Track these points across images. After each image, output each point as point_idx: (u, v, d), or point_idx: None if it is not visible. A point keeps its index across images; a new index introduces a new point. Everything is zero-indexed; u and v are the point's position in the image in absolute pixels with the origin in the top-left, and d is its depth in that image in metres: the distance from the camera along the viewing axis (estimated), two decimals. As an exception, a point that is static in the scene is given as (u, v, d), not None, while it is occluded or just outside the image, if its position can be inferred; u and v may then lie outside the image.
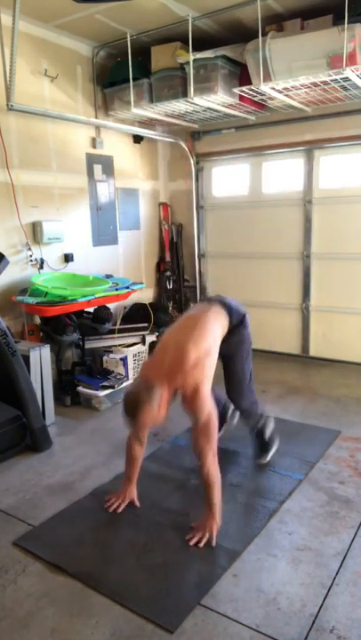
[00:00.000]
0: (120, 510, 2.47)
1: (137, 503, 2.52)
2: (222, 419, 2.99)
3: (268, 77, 3.61)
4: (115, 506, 2.49)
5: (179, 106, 4.23)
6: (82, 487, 2.74)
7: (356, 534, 2.28)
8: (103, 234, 4.79)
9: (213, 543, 2.21)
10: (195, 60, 3.81)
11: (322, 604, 1.89)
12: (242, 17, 3.75)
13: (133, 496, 2.54)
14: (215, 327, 2.43)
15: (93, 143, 4.55)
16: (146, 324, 4.60)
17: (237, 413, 3.04)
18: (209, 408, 2.20)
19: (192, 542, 2.22)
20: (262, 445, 2.93)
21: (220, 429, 2.93)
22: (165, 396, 2.20)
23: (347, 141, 4.41)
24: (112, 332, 4.34)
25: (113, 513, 2.48)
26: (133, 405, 2.19)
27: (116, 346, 4.37)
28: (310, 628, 1.78)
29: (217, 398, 2.81)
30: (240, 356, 2.67)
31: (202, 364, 2.24)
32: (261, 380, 4.34)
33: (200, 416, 2.18)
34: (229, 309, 2.55)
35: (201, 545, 2.20)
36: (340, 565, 2.09)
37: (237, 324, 2.58)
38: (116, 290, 4.13)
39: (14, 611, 1.90)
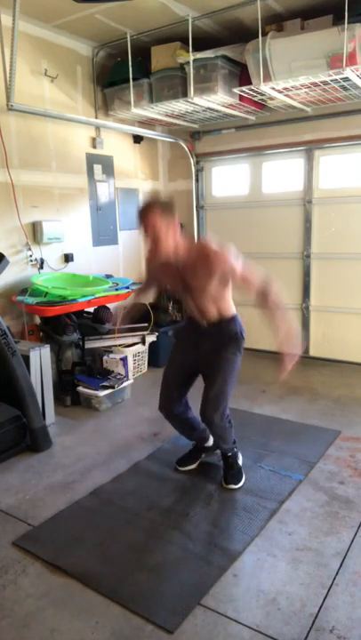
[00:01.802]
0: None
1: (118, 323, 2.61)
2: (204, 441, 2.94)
3: (268, 77, 3.61)
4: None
5: (179, 106, 4.23)
6: (82, 487, 2.74)
7: (356, 534, 2.28)
8: (103, 234, 4.79)
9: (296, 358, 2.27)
10: (195, 60, 3.82)
11: (322, 604, 1.89)
12: (242, 17, 3.76)
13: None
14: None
15: (93, 143, 4.56)
16: (146, 324, 4.60)
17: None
18: (256, 275, 2.32)
19: (283, 376, 2.26)
20: (236, 472, 2.76)
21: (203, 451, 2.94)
22: (176, 229, 2.30)
23: (347, 141, 4.41)
24: (112, 331, 4.34)
25: (113, 513, 2.48)
26: (148, 202, 2.29)
27: (116, 346, 4.37)
28: (310, 628, 1.78)
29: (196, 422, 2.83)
30: (227, 375, 2.55)
31: (225, 252, 2.33)
32: (261, 380, 4.34)
33: (252, 287, 2.32)
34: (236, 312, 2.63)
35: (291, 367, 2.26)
36: (340, 565, 2.09)
37: (238, 334, 2.57)
38: (116, 290, 4.13)
39: (14, 611, 1.90)
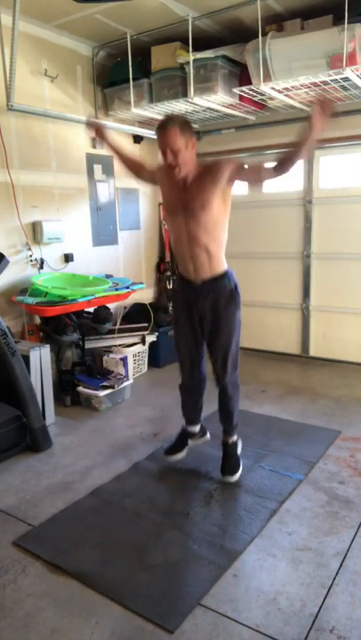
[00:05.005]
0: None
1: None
2: (185, 439, 2.98)
3: (268, 77, 3.61)
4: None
5: (179, 106, 4.23)
6: (82, 487, 2.74)
7: (356, 534, 2.28)
8: (103, 234, 4.79)
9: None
10: (195, 60, 3.81)
11: (322, 604, 1.89)
12: (242, 17, 3.75)
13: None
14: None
15: (93, 143, 4.55)
16: (146, 324, 4.60)
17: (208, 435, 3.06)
18: (261, 167, 2.39)
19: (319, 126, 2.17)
20: (234, 464, 2.79)
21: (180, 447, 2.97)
22: (194, 152, 2.38)
23: (347, 141, 4.40)
24: (112, 332, 4.34)
25: (113, 513, 2.48)
26: (168, 118, 2.35)
27: (116, 346, 4.37)
28: (310, 628, 1.78)
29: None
30: (232, 331, 2.58)
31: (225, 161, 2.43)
32: (261, 380, 4.34)
33: (261, 167, 2.39)
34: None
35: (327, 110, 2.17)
36: (340, 565, 2.09)
37: (233, 289, 2.56)
38: (116, 290, 4.13)
39: (14, 611, 1.90)
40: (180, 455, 2.94)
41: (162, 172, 2.58)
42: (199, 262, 2.51)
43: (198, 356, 2.75)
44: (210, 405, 2.97)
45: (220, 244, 2.53)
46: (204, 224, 2.44)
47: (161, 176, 2.62)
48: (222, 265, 2.56)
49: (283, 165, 2.33)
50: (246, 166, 2.39)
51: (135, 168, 2.85)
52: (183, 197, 2.45)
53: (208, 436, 3.06)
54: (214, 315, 2.55)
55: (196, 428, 2.98)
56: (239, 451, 2.88)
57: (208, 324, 2.59)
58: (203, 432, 3.03)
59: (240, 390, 2.80)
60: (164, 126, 2.31)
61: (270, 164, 2.36)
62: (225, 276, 2.55)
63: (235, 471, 2.76)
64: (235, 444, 2.85)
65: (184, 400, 2.91)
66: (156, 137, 2.38)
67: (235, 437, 2.86)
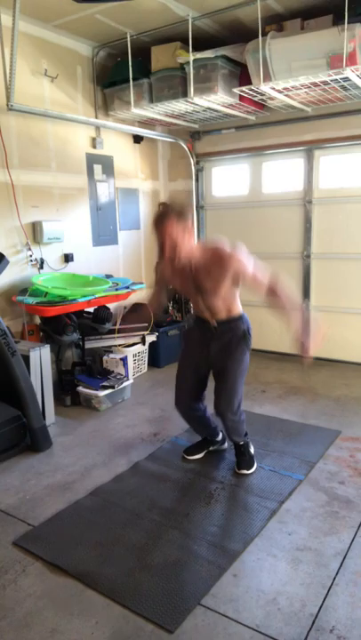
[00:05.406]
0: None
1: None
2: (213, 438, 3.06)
3: (268, 77, 3.61)
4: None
5: (179, 106, 4.23)
6: (82, 487, 2.74)
7: (356, 534, 2.28)
8: (103, 234, 4.79)
9: (312, 352, 2.30)
10: (195, 60, 3.81)
11: (322, 604, 1.89)
12: (242, 17, 3.76)
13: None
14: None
15: (93, 143, 4.56)
16: (146, 324, 4.60)
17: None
18: (265, 276, 2.38)
19: (309, 361, 2.28)
20: (249, 458, 2.89)
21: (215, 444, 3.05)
22: (192, 234, 2.33)
23: (347, 141, 4.41)
24: (112, 332, 4.34)
25: (113, 513, 2.48)
26: (163, 212, 2.30)
27: (116, 346, 4.37)
28: (310, 628, 1.78)
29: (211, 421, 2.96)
30: (238, 372, 2.67)
31: (239, 255, 2.39)
32: (261, 380, 4.34)
33: (261, 288, 2.37)
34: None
35: (312, 354, 2.28)
36: (340, 565, 2.09)
37: (246, 332, 2.64)
38: (116, 290, 4.13)
39: (14, 611, 1.90)
40: (199, 456, 3.03)
41: (165, 266, 2.56)
42: (217, 312, 2.59)
43: (197, 380, 2.79)
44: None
45: (236, 297, 2.60)
46: (217, 296, 2.50)
47: (165, 269, 2.61)
48: (238, 309, 2.63)
49: (276, 300, 2.37)
50: (251, 274, 2.38)
51: (162, 292, 2.81)
52: (192, 280, 2.48)
53: (226, 444, 3.12)
54: (225, 353, 2.63)
55: (218, 437, 3.07)
56: (252, 450, 2.95)
57: (218, 361, 2.66)
58: (223, 441, 3.12)
59: (244, 422, 2.87)
60: (161, 220, 2.28)
61: (273, 282, 2.38)
62: (240, 318, 2.64)
63: (250, 466, 2.86)
64: (246, 444, 2.93)
65: (187, 422, 2.98)
66: (153, 226, 2.35)
67: (246, 441, 2.94)
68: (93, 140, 4.55)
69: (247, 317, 2.68)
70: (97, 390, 3.79)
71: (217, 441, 3.07)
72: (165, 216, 2.27)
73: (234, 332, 2.61)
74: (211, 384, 2.79)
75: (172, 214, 2.27)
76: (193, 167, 5.27)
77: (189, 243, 2.35)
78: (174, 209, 2.30)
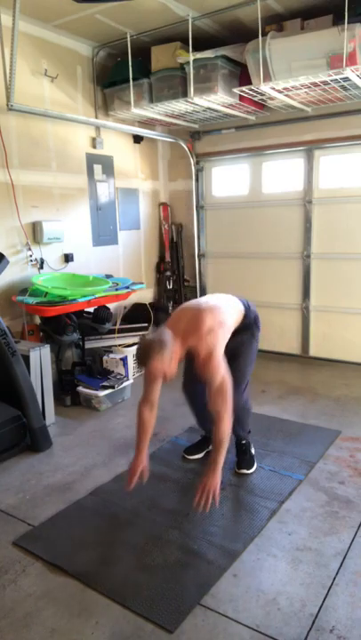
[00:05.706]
0: (131, 487, 2.42)
1: (146, 474, 2.47)
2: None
3: (268, 77, 3.61)
4: (130, 484, 2.43)
5: (179, 106, 4.23)
6: (82, 487, 2.74)
7: (356, 534, 2.28)
8: (103, 234, 4.79)
9: (217, 503, 2.31)
10: (195, 60, 3.81)
11: (322, 604, 1.89)
12: (242, 17, 3.76)
13: (143, 466, 2.46)
14: (230, 309, 2.59)
15: (93, 143, 4.56)
16: (146, 324, 4.60)
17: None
18: (223, 372, 2.28)
19: (200, 507, 2.24)
20: (249, 458, 2.91)
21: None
22: (177, 351, 2.31)
23: (347, 141, 4.41)
24: (112, 331, 4.34)
25: (113, 513, 2.48)
26: (145, 352, 2.28)
27: (116, 346, 4.37)
28: (310, 628, 1.78)
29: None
30: (245, 357, 2.69)
31: (215, 333, 2.34)
32: (261, 380, 4.34)
33: (215, 378, 2.27)
34: (246, 305, 2.70)
35: (207, 509, 2.25)
36: (340, 565, 2.09)
37: (252, 323, 2.68)
38: (116, 290, 4.13)
39: (14, 611, 1.90)
40: (199, 455, 3.04)
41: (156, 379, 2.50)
42: None
43: None
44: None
45: (234, 321, 2.59)
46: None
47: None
48: (240, 318, 2.64)
49: (216, 425, 2.29)
50: (216, 356, 2.30)
51: (155, 392, 2.61)
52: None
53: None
54: (235, 338, 2.63)
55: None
56: (253, 450, 2.96)
57: (228, 349, 2.62)
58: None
59: (250, 414, 2.89)
60: (144, 361, 2.27)
61: (225, 387, 2.28)
62: (246, 316, 2.67)
63: (250, 465, 2.86)
64: (248, 443, 2.93)
65: (192, 409, 2.97)
66: (138, 363, 2.36)
67: (248, 439, 2.94)
68: (93, 140, 4.55)
69: (254, 307, 2.72)
70: (97, 390, 3.79)
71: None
72: (148, 357, 2.25)
73: (243, 323, 2.66)
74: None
75: (154, 354, 2.23)
76: (193, 167, 5.27)
77: (176, 360, 2.31)
78: (154, 348, 2.24)
